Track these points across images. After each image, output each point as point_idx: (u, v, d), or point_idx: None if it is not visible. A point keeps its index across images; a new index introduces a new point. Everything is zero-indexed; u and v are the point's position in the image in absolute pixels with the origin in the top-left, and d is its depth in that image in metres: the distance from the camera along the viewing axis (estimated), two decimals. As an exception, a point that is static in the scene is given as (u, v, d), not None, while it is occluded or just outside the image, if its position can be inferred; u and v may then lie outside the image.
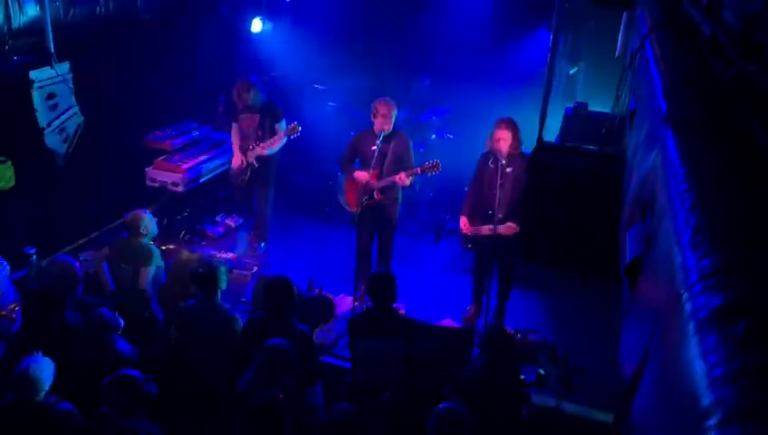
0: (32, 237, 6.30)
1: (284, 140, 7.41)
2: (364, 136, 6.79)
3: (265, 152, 7.35)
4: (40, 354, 3.98)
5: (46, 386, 3.93)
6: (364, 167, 6.74)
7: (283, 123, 7.42)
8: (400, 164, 6.63)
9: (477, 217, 6.44)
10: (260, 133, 7.37)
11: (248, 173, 7.45)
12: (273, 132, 7.38)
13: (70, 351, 4.50)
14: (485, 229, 6.28)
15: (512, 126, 6.21)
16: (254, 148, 7.35)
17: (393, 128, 6.64)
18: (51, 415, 3.89)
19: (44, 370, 3.95)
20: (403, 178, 6.52)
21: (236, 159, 7.48)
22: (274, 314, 4.89)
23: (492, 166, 6.29)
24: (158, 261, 5.89)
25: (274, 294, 4.92)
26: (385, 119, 6.53)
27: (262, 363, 4.34)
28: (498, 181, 6.05)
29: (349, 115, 9.16)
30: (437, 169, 6.49)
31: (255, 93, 7.31)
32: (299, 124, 7.33)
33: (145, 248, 5.88)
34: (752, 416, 0.87)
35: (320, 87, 9.55)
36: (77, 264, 5.39)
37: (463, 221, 6.51)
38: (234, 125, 7.56)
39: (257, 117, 7.36)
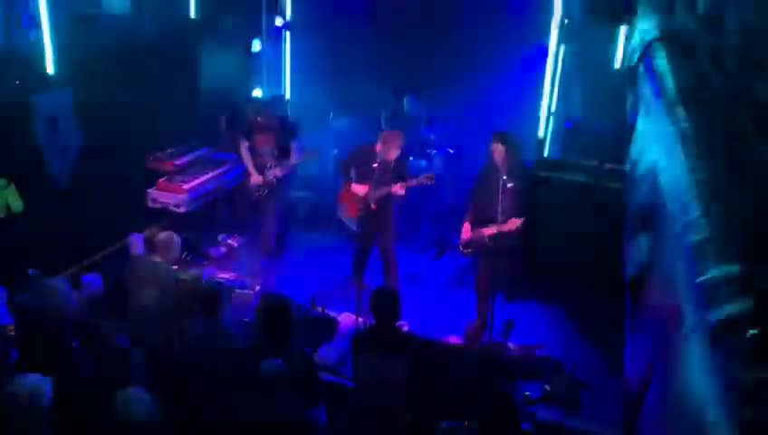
0: (35, 260, 6.29)
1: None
2: (365, 150, 6.93)
3: (282, 173, 7.42)
4: (37, 374, 3.93)
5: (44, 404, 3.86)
6: (361, 180, 6.89)
7: (297, 141, 7.51)
8: (397, 177, 6.81)
9: (478, 226, 6.43)
10: (276, 152, 7.42)
11: (266, 191, 7.45)
12: (287, 150, 7.43)
13: (71, 371, 4.44)
14: (487, 231, 6.28)
15: (504, 139, 6.21)
16: (271, 166, 7.37)
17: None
18: None
19: (42, 388, 3.90)
20: (398, 190, 6.71)
21: (254, 178, 7.42)
22: (272, 334, 4.81)
23: (492, 178, 6.29)
24: None
25: (271, 316, 4.86)
26: (388, 148, 6.71)
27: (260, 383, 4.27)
28: (500, 195, 6.06)
29: (349, 131, 9.21)
30: (431, 180, 6.74)
31: (270, 113, 7.50)
32: (318, 151, 7.69)
33: (172, 275, 5.44)
34: (759, 430, 0.86)
35: (331, 115, 9.59)
36: (68, 286, 5.11)
37: (465, 227, 6.56)
38: (245, 142, 7.51)
39: (272, 136, 7.39)
